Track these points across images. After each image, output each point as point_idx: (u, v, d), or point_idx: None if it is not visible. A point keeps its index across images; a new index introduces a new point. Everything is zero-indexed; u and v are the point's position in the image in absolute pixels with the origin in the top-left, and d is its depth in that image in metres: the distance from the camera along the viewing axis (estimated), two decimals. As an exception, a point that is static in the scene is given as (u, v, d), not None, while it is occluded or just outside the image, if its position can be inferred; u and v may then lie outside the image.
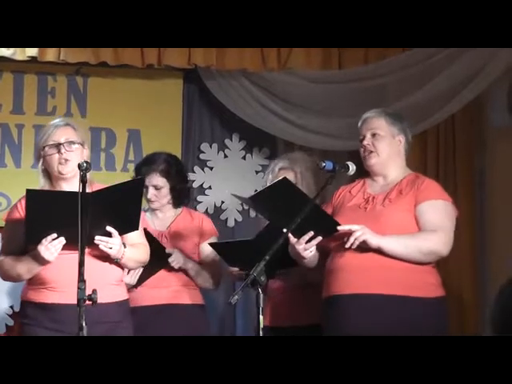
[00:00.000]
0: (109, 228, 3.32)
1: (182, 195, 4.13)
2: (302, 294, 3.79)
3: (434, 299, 3.42)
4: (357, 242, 3.31)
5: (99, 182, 3.57)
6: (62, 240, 3.26)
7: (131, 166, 4.95)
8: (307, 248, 3.38)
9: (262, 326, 2.94)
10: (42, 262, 3.29)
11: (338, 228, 3.34)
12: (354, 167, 3.47)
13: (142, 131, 5.10)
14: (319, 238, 3.37)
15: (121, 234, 3.36)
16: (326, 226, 3.36)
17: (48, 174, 3.52)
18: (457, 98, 4.75)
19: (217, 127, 5.25)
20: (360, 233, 3.31)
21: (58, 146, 3.45)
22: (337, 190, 3.67)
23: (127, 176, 4.63)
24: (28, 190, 3.23)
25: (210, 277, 4.01)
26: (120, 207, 3.33)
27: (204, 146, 5.21)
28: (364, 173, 3.62)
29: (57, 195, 3.34)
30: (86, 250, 3.25)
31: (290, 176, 3.92)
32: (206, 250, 4.00)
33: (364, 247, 3.34)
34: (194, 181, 4.93)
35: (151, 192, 4.02)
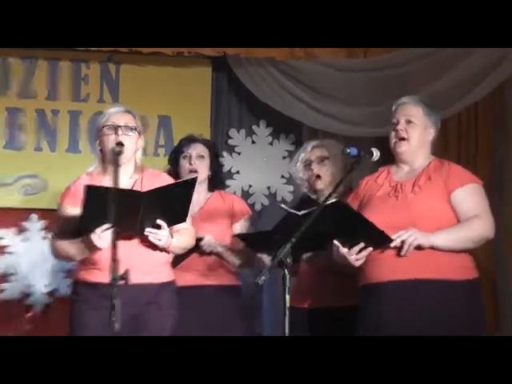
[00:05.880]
0: (159, 221, 3.35)
1: (218, 176, 4.18)
2: (329, 277, 3.74)
3: (472, 281, 3.40)
4: (411, 248, 3.28)
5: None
6: (114, 230, 3.25)
7: (162, 151, 5.09)
8: (358, 258, 3.34)
9: (288, 305, 2.93)
10: (94, 248, 3.33)
11: (392, 244, 3.29)
12: (378, 153, 3.41)
13: (173, 117, 5.14)
14: (370, 249, 3.34)
15: (169, 225, 3.40)
16: (377, 238, 3.32)
17: (103, 155, 3.52)
18: (479, 86, 4.71)
19: (244, 114, 5.30)
20: (412, 238, 3.27)
21: (116, 128, 3.46)
22: (361, 179, 3.64)
23: (158, 160, 4.84)
24: (87, 187, 3.25)
25: (242, 257, 4.00)
26: (172, 204, 3.36)
27: (232, 132, 5.26)
28: (388, 160, 3.58)
29: (114, 192, 3.29)
30: (137, 239, 3.36)
31: (323, 151, 3.95)
32: (239, 230, 4.02)
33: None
34: (222, 165, 4.94)
35: (194, 161, 4.08)
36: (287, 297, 2.92)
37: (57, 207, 3.55)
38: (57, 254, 3.54)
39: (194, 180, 3.50)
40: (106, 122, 3.52)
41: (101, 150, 3.54)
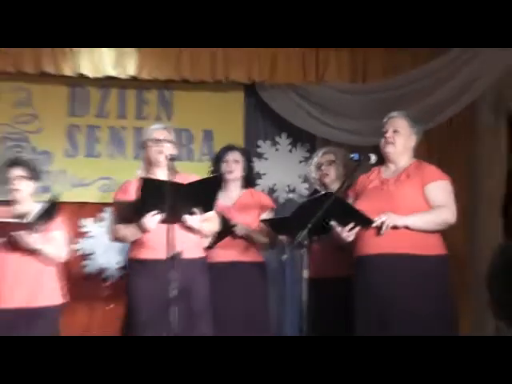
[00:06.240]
0: (194, 209, 3.65)
1: (250, 177, 4.38)
2: (335, 253, 3.94)
3: (440, 256, 3.60)
4: (388, 228, 3.53)
5: (182, 170, 3.89)
6: (161, 215, 3.57)
7: (206, 158, 5.43)
8: (349, 235, 3.61)
9: (305, 277, 3.24)
10: (144, 230, 3.62)
11: (373, 225, 3.55)
12: (376, 157, 3.66)
13: (214, 131, 5.53)
14: (358, 228, 3.61)
15: (201, 213, 3.67)
16: (363, 220, 3.58)
17: (147, 161, 3.82)
18: (456, 103, 5.14)
19: (270, 128, 5.65)
20: (389, 221, 3.53)
21: (157, 141, 3.78)
22: (357, 178, 3.87)
23: (203, 166, 5.09)
24: (143, 179, 3.53)
25: (267, 240, 4.26)
26: (203, 195, 3.61)
27: (260, 142, 5.67)
28: (380, 162, 3.81)
29: (164, 184, 3.50)
30: (177, 224, 3.62)
31: (331, 156, 4.22)
32: None
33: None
34: (253, 168, 4.74)
35: (231, 164, 4.27)
36: (305, 271, 3.23)
37: (113, 200, 3.82)
38: (113, 237, 3.78)
39: (219, 176, 3.79)
40: (149, 136, 3.81)
41: (145, 157, 3.81)
